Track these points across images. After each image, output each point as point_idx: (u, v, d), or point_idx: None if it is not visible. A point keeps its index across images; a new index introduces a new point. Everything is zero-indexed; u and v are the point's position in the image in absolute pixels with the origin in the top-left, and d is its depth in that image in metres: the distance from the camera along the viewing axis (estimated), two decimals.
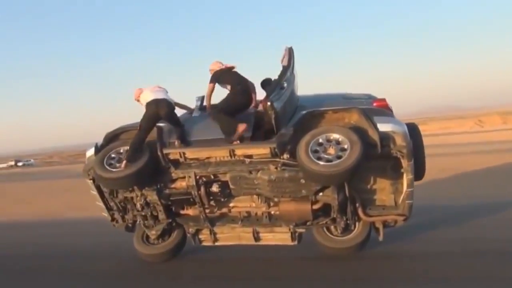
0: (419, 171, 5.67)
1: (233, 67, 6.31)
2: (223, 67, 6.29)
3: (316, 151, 5.25)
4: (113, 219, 6.68)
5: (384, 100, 5.86)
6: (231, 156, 5.73)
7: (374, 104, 5.82)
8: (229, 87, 6.16)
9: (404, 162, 5.34)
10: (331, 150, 5.24)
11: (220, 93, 6.27)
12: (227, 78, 6.19)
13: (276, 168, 5.57)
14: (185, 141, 6.01)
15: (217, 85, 6.23)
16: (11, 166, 77.31)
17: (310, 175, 5.26)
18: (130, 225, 6.71)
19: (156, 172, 5.98)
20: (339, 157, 5.15)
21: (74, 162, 64.83)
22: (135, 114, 6.43)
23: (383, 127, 5.35)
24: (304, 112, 5.74)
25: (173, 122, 6.09)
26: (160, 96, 6.10)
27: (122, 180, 5.77)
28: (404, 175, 5.46)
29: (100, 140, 6.38)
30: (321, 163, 5.15)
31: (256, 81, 6.30)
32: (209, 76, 6.26)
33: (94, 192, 6.45)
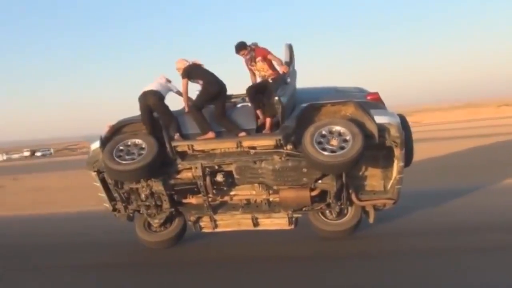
0: (407, 159, 6.19)
1: (201, 64, 6.62)
2: (190, 63, 6.59)
3: (320, 143, 5.66)
4: (114, 209, 6.87)
5: (376, 93, 6.34)
6: (237, 147, 6.05)
7: (368, 98, 6.29)
8: (200, 81, 6.47)
9: (397, 151, 5.84)
10: (334, 142, 5.66)
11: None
12: (198, 73, 6.50)
13: (280, 158, 5.95)
14: (182, 134, 6.32)
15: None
16: (27, 156, 75.81)
17: (316, 164, 5.68)
18: (131, 214, 6.93)
19: (163, 164, 6.23)
20: (342, 148, 5.58)
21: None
22: None
23: (379, 119, 5.80)
24: (304, 105, 6.12)
25: (161, 112, 6.34)
26: (148, 88, 6.39)
27: (134, 172, 5.99)
28: (396, 163, 5.96)
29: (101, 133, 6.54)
30: (326, 153, 5.57)
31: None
32: (178, 75, 6.59)
33: (98, 184, 6.62)
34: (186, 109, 6.45)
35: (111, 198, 6.75)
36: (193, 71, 6.44)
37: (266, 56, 6.44)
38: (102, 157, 6.13)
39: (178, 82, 6.63)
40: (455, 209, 8.19)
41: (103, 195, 6.73)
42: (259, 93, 6.33)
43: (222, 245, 6.98)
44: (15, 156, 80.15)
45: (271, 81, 6.38)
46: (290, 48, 6.23)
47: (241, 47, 6.57)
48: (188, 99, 6.47)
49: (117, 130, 6.50)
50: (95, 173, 6.52)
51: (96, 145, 6.43)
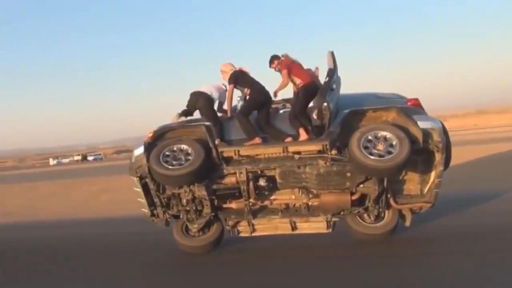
0: (446, 163, 6.32)
1: (248, 72, 6.81)
2: (237, 69, 6.75)
3: (366, 147, 5.79)
4: (152, 214, 6.91)
5: (417, 99, 6.48)
6: (283, 152, 6.15)
7: (408, 103, 6.42)
8: (246, 89, 6.67)
9: (438, 156, 5.98)
10: (380, 146, 5.80)
11: None
12: (245, 81, 6.70)
13: (325, 163, 6.06)
14: (223, 140, 6.43)
15: None
16: (77, 161, 79.58)
17: (364, 168, 5.81)
18: (168, 220, 6.96)
19: (207, 169, 6.29)
20: (389, 153, 5.72)
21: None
22: None
23: (423, 124, 5.95)
24: (347, 111, 6.24)
25: (207, 116, 6.54)
26: (202, 89, 6.67)
27: (184, 177, 6.09)
28: (436, 167, 6.09)
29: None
30: (374, 157, 5.70)
31: None
32: (220, 75, 6.87)
33: (138, 189, 6.67)
34: (229, 114, 6.55)
35: (151, 204, 6.79)
36: (240, 78, 6.60)
37: (287, 66, 6.62)
38: (149, 162, 6.20)
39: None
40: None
41: (142, 200, 6.77)
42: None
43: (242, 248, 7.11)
44: (65, 160, 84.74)
45: (297, 90, 6.59)
46: (332, 55, 6.34)
47: (270, 61, 6.84)
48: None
49: (159, 136, 6.57)
50: (137, 178, 6.55)
51: (139, 151, 6.50)
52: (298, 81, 6.60)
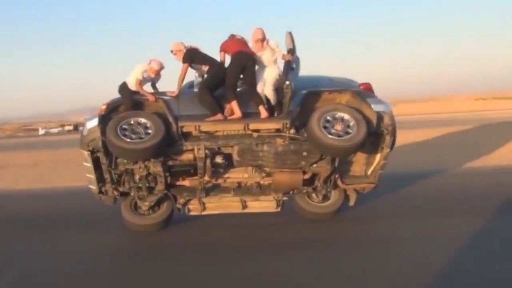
0: (391, 145, 6.71)
1: (199, 48, 6.67)
2: (188, 47, 6.62)
3: (325, 127, 6.00)
4: (100, 191, 6.66)
5: (368, 83, 6.80)
6: (244, 130, 6.20)
7: (361, 87, 6.73)
8: (203, 67, 6.57)
9: (387, 138, 6.35)
10: (338, 127, 6.03)
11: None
12: (201, 58, 6.59)
13: (283, 141, 6.20)
14: (182, 116, 6.30)
15: None
16: (68, 131, 76.96)
17: (322, 147, 6.02)
18: (117, 197, 6.75)
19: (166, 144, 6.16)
20: (347, 133, 5.97)
21: None
22: None
23: (376, 107, 6.28)
24: (304, 91, 6.40)
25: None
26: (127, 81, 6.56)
27: (145, 151, 5.92)
28: (383, 149, 6.46)
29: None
30: (334, 137, 5.93)
31: None
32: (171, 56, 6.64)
33: (88, 164, 6.38)
34: (176, 92, 6.45)
35: (100, 180, 6.54)
36: (195, 56, 6.47)
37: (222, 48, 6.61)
38: (106, 135, 5.96)
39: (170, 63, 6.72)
40: None
41: (91, 176, 6.49)
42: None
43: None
44: (54, 130, 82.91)
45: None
46: (291, 35, 6.45)
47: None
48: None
49: (112, 109, 6.35)
50: (89, 152, 6.27)
51: (92, 123, 6.22)
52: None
